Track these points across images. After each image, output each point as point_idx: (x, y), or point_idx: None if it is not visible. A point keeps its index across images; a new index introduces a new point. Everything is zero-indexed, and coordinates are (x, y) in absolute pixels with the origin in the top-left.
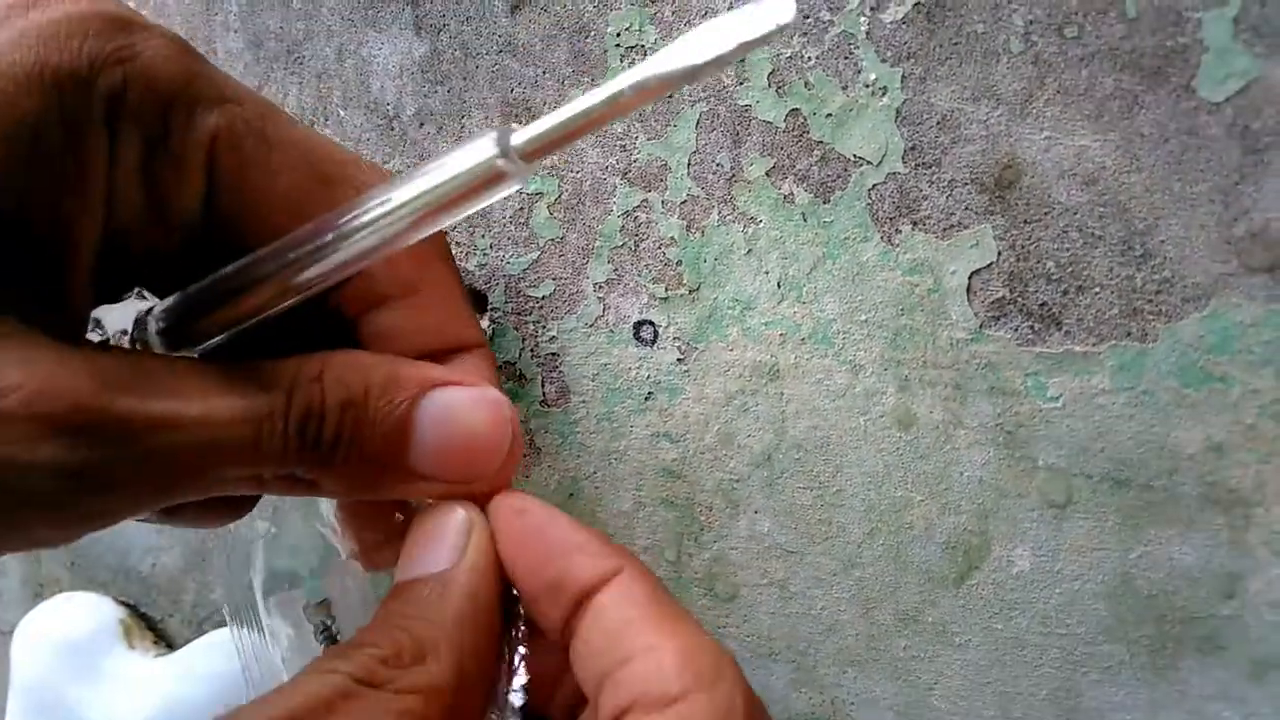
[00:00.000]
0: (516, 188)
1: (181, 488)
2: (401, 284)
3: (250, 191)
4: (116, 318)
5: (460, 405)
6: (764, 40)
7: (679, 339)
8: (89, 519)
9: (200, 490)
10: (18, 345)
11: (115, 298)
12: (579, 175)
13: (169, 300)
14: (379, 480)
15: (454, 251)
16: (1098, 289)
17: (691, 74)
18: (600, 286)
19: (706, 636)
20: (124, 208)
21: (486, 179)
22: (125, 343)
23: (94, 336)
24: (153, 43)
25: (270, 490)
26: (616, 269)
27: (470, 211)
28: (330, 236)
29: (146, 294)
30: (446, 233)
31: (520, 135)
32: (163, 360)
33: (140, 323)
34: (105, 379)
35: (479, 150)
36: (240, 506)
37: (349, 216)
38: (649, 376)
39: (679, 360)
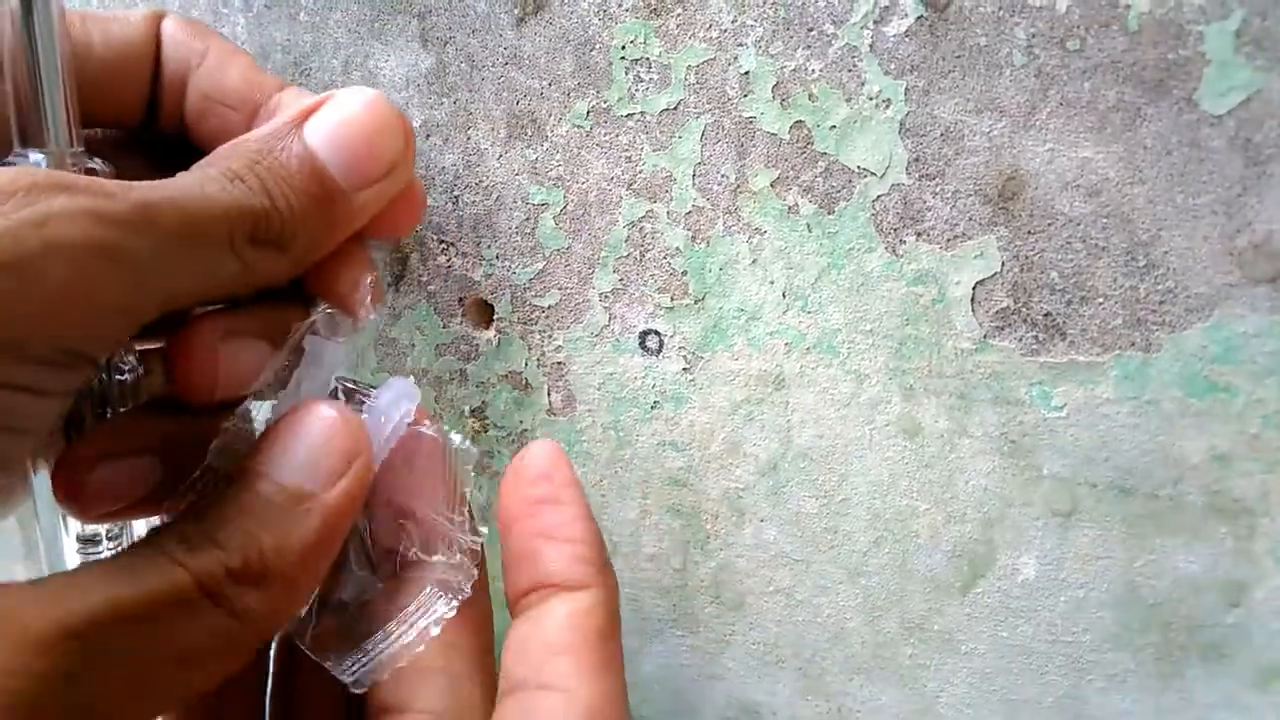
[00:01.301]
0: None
1: (177, 260)
2: (193, 64)
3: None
4: None
5: (334, 111)
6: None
7: (684, 348)
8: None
9: (197, 267)
10: None
11: None
12: (584, 186)
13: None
14: (326, 208)
15: (461, 263)
16: (1101, 299)
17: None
18: (606, 296)
19: (622, 689)
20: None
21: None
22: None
23: None
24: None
25: (250, 268)
26: (622, 279)
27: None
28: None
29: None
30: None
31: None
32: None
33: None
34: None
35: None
36: None
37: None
38: (655, 386)
39: (684, 369)
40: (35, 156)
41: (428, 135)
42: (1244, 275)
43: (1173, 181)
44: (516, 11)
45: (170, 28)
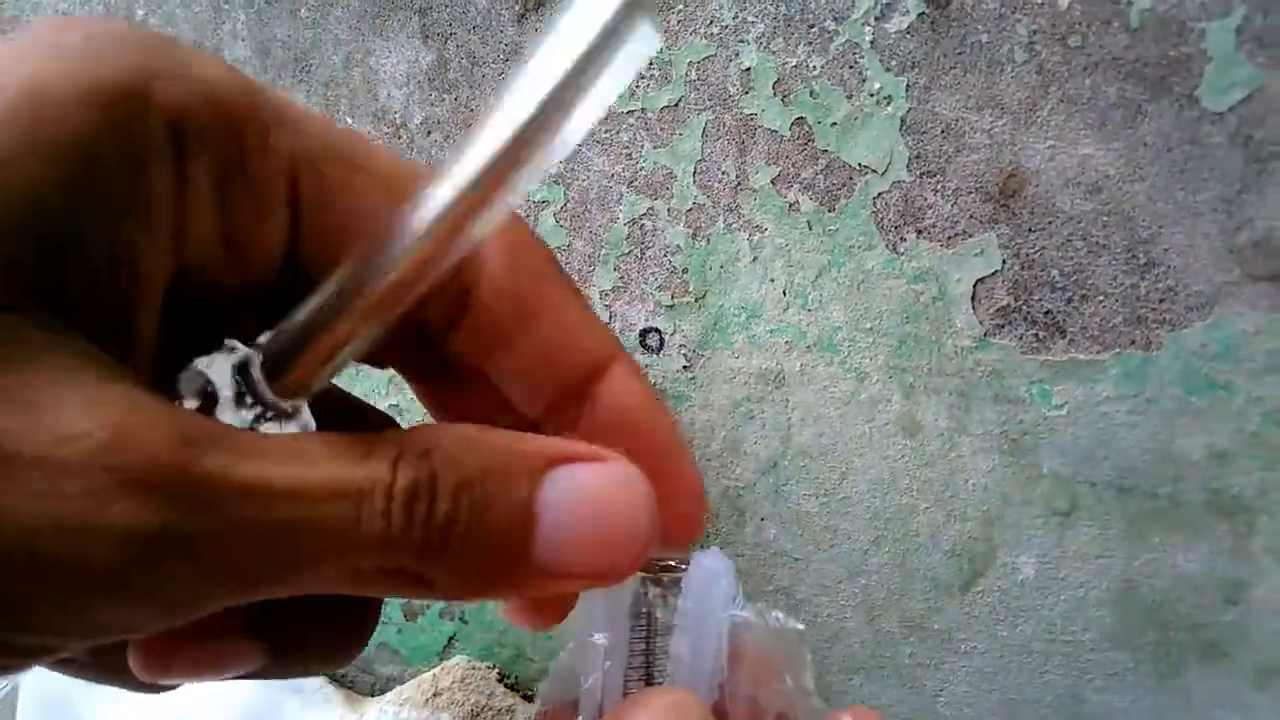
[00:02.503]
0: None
1: (271, 572)
2: (518, 313)
3: (336, 217)
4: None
5: (592, 485)
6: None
7: (685, 346)
8: (160, 602)
9: (290, 580)
10: (83, 385)
11: (183, 348)
12: (585, 183)
13: (265, 339)
14: (498, 574)
15: None
16: (1102, 297)
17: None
18: (607, 294)
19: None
20: (197, 241)
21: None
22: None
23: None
24: (204, 59)
25: (370, 590)
26: (623, 276)
27: (597, 108)
28: (432, 211)
29: (238, 344)
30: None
31: None
32: (263, 436)
33: (242, 370)
34: (186, 434)
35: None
36: (349, 639)
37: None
38: (656, 383)
39: (685, 367)
40: (225, 382)
41: (429, 132)
42: (1244, 273)
43: (1173, 179)
44: (517, 7)
45: (494, 270)
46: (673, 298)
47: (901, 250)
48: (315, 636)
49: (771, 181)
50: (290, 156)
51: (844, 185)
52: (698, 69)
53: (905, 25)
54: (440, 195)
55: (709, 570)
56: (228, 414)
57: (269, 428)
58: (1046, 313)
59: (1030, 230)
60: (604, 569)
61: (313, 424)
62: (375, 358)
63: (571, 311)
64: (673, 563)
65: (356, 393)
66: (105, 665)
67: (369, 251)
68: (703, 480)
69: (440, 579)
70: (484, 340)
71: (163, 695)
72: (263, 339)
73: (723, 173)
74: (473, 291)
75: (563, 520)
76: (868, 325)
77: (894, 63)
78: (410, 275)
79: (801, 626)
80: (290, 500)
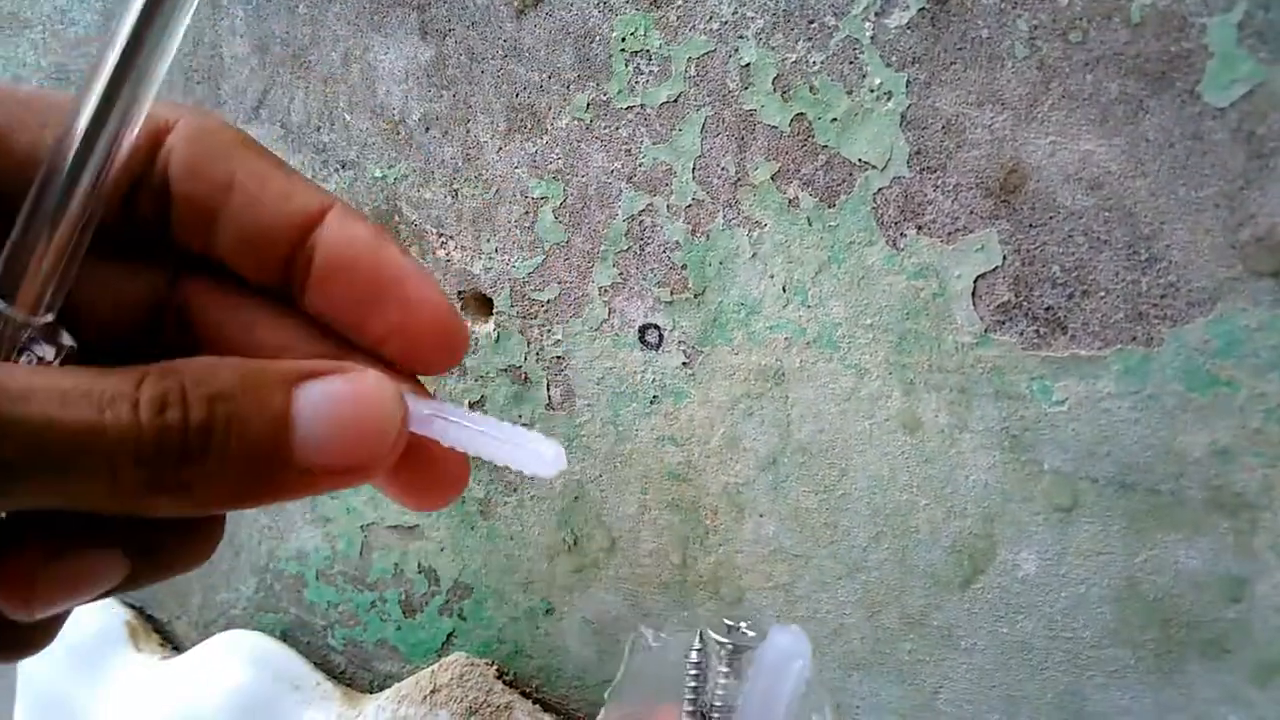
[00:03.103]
0: None
1: (24, 472)
2: (212, 189)
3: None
4: None
5: (341, 390)
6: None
7: (684, 343)
8: None
9: (50, 484)
10: None
11: None
12: (584, 179)
13: None
14: (262, 478)
15: (460, 255)
16: (1103, 293)
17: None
18: (605, 290)
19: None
20: None
21: None
22: None
23: None
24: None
25: (136, 503)
26: (622, 273)
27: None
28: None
29: None
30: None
31: None
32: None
33: None
34: None
35: None
36: (200, 537)
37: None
38: (654, 380)
39: (684, 364)
40: None
41: (427, 128)
42: (1246, 269)
43: (1175, 175)
44: (516, 4)
45: (180, 155)
46: (672, 294)
47: (902, 246)
48: (168, 540)
49: (771, 177)
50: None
51: (844, 181)
52: (697, 64)
53: (905, 20)
54: (84, 105)
55: (784, 650)
56: None
57: (40, 350)
58: (1047, 309)
59: (1031, 226)
60: (362, 461)
61: (70, 340)
62: (126, 282)
63: (273, 179)
64: (745, 630)
65: None
66: None
67: (49, 167)
68: (445, 299)
69: (201, 486)
70: (194, 223)
71: (158, 679)
72: None
73: (722, 168)
74: (168, 180)
75: (318, 422)
76: (868, 321)
77: (894, 58)
78: (83, 174)
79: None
80: (36, 400)
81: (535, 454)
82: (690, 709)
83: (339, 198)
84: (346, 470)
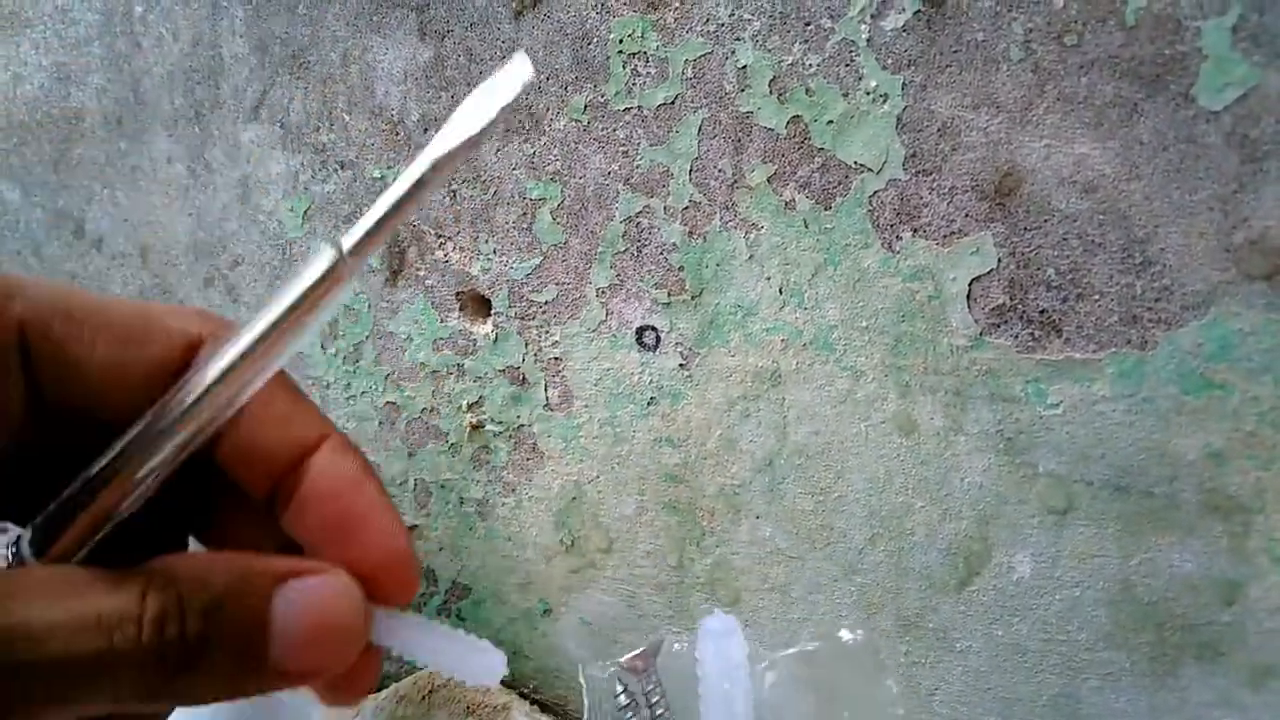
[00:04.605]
0: (352, 288)
1: (39, 709)
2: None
3: (70, 371)
4: None
5: (310, 598)
6: (518, 99)
7: (681, 344)
8: None
9: (59, 708)
10: None
11: None
12: (582, 181)
13: (40, 518)
14: (246, 679)
15: (459, 257)
16: (1098, 296)
17: (473, 144)
18: (603, 292)
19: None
20: None
21: (332, 281)
22: None
23: None
24: None
25: (129, 708)
26: (619, 274)
27: (316, 325)
28: (189, 397)
29: (9, 525)
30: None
31: (349, 238)
32: (24, 570)
33: (13, 550)
34: None
35: (323, 259)
36: None
37: (204, 371)
38: (651, 381)
39: (681, 365)
40: None
41: (425, 129)
42: (1240, 272)
43: (1169, 178)
44: (514, 5)
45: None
46: (669, 295)
47: (897, 249)
48: None
49: (768, 180)
50: (19, 320)
51: (840, 183)
52: (694, 67)
53: (901, 23)
54: (233, 354)
55: (717, 632)
56: None
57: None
58: (1042, 312)
59: (1026, 229)
60: (326, 665)
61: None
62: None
63: (277, 402)
64: (640, 649)
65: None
66: None
67: (156, 415)
68: (410, 541)
69: (190, 691)
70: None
71: None
72: (42, 515)
73: (719, 171)
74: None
75: (290, 628)
76: (863, 324)
77: (890, 61)
78: (203, 430)
79: None
80: (50, 638)
81: (485, 665)
82: None
83: (335, 427)
84: (314, 672)
